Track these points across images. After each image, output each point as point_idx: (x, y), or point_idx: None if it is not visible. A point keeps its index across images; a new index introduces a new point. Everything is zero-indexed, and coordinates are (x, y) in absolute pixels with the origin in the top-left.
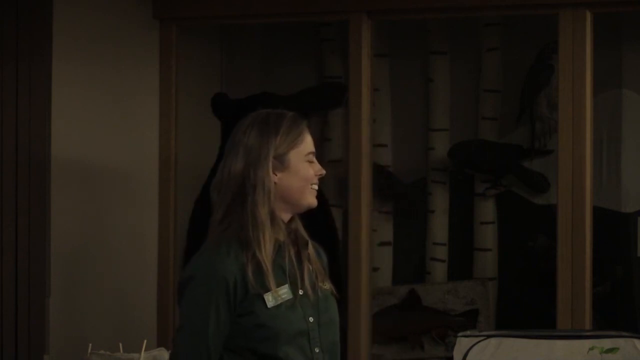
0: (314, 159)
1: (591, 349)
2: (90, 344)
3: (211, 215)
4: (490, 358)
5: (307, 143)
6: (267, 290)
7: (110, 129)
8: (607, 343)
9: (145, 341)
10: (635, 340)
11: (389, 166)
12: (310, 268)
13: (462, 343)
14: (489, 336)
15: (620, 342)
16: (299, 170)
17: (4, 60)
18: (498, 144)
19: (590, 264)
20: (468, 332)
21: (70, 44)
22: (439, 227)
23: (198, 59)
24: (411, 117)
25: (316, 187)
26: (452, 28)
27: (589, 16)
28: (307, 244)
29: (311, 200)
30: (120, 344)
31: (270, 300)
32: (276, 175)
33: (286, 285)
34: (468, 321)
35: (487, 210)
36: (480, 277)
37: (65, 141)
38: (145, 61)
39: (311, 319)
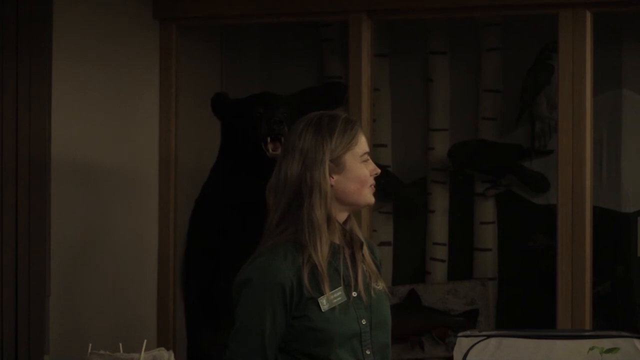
0: (369, 159)
1: (591, 349)
2: (90, 344)
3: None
4: (490, 358)
5: (362, 143)
6: (322, 293)
7: (110, 129)
8: (607, 343)
9: (145, 341)
10: (636, 340)
11: (389, 166)
12: (365, 269)
13: (462, 343)
14: (489, 336)
15: (620, 342)
16: (355, 172)
17: (4, 59)
18: (498, 144)
19: (590, 264)
20: (468, 332)
21: (70, 44)
22: (439, 227)
23: (198, 58)
24: (411, 117)
25: (374, 186)
26: (452, 28)
27: (588, 16)
28: (362, 245)
29: (370, 199)
30: (120, 344)
31: (324, 304)
32: (333, 177)
33: (340, 288)
34: (468, 321)
35: (487, 210)
36: (480, 277)
37: (65, 141)
38: (146, 61)
39: (364, 321)
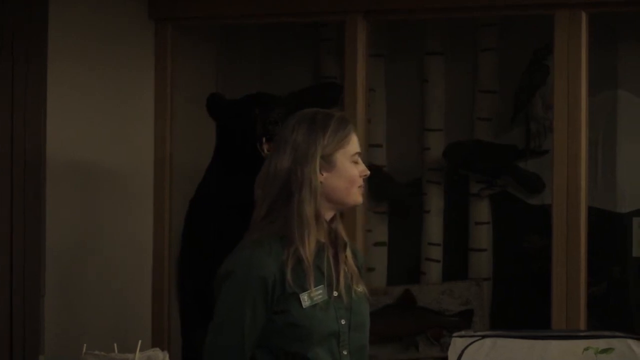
0: (359, 160)
1: (586, 349)
2: (85, 344)
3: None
4: (484, 358)
5: (354, 143)
6: (304, 289)
7: (105, 129)
8: (601, 343)
9: (140, 341)
10: (630, 341)
11: (384, 166)
12: (347, 270)
13: (456, 343)
14: (483, 336)
15: (615, 343)
16: (345, 171)
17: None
18: (493, 144)
19: (585, 265)
20: (463, 333)
21: (65, 44)
22: (434, 227)
23: (193, 59)
24: (406, 117)
25: (362, 187)
26: (448, 28)
27: (584, 17)
28: (345, 245)
29: (358, 199)
30: (115, 344)
31: (306, 300)
32: (322, 174)
33: (322, 286)
34: (463, 321)
35: (482, 210)
36: (475, 277)
37: (60, 141)
38: (141, 61)
39: (343, 322)
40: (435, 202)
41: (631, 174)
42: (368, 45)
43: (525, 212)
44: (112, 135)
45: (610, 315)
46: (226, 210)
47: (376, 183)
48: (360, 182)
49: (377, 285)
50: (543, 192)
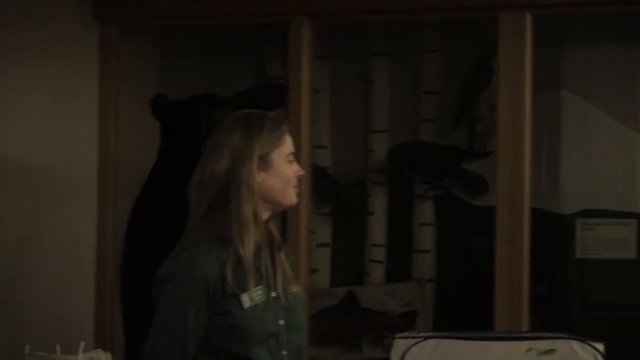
0: (294, 159)
1: (529, 350)
2: (28, 346)
3: (153, 215)
4: (427, 359)
5: (288, 143)
6: (244, 290)
7: (49, 130)
8: (544, 344)
9: (82, 343)
10: (573, 342)
11: (329, 167)
12: (283, 270)
13: (399, 344)
14: (426, 337)
15: (557, 344)
16: (281, 171)
17: None
18: (437, 146)
19: (528, 266)
20: (406, 334)
21: (9, 45)
22: (378, 228)
23: (138, 60)
24: (351, 119)
25: (296, 187)
26: (393, 30)
27: (528, 18)
28: (281, 246)
29: (293, 199)
30: (58, 346)
31: (246, 301)
32: (260, 175)
33: (261, 287)
34: (406, 323)
35: (426, 211)
36: (419, 278)
37: (3, 141)
38: (85, 62)
39: (281, 322)
40: (379, 203)
41: (575, 175)
42: (312, 47)
43: (469, 213)
44: (56, 136)
45: (553, 317)
46: (170, 211)
47: (320, 184)
48: (295, 182)
49: (320, 286)
50: (487, 194)
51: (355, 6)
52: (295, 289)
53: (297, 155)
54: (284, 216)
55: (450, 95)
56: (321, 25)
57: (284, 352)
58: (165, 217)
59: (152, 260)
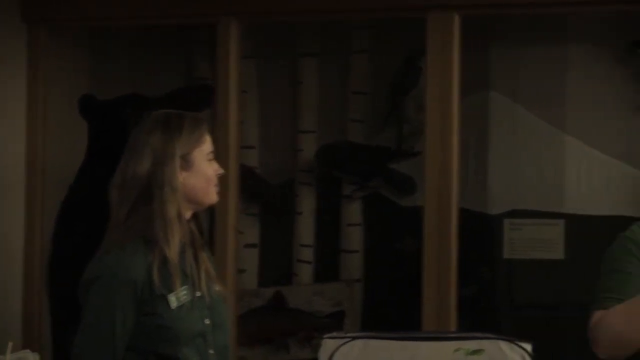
0: (213, 158)
1: (456, 350)
2: None
3: (80, 215)
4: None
5: (208, 142)
6: (171, 290)
7: None
8: (472, 345)
9: (10, 343)
10: (501, 342)
11: (257, 168)
12: (206, 269)
13: (327, 345)
14: (354, 338)
15: (485, 344)
16: (202, 169)
17: None
18: (365, 146)
19: (456, 266)
20: (334, 334)
21: None
22: (306, 228)
23: (66, 60)
24: (279, 119)
25: (217, 186)
26: (322, 30)
27: (456, 19)
28: (203, 245)
29: (214, 198)
30: None
31: (173, 301)
32: (182, 174)
33: (186, 287)
34: (334, 323)
35: (354, 212)
36: (347, 279)
37: None
38: (13, 63)
39: (207, 321)
40: (307, 203)
41: (503, 176)
42: (240, 47)
43: (397, 213)
44: None
45: (481, 317)
46: (97, 211)
47: (248, 185)
48: (216, 180)
49: (248, 286)
50: (415, 194)
51: (283, 7)
52: (217, 287)
53: (224, 155)
54: (211, 216)
55: (379, 95)
56: (249, 25)
57: (211, 351)
58: (92, 217)
59: (79, 260)
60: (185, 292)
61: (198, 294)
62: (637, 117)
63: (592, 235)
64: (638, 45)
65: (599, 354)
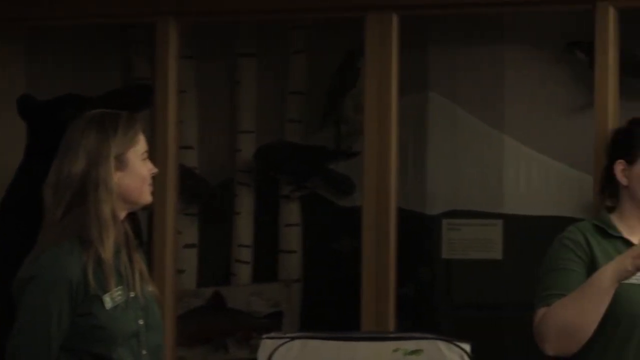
0: (147, 157)
1: (395, 350)
2: None
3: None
4: None
5: (142, 142)
6: (106, 291)
7: None
8: (411, 345)
9: None
10: (439, 342)
11: (196, 168)
12: (140, 270)
13: (266, 345)
14: (293, 338)
15: (424, 344)
16: (137, 169)
17: None
18: (304, 146)
19: (394, 266)
20: (272, 334)
21: None
22: (244, 229)
23: (3, 60)
24: (218, 119)
25: (151, 186)
26: (260, 30)
27: (394, 19)
28: (137, 246)
29: (149, 198)
30: None
31: (108, 302)
32: (116, 174)
33: (121, 287)
34: (273, 323)
35: (292, 212)
36: (285, 279)
37: None
38: None
39: (141, 322)
40: (245, 203)
41: (441, 176)
42: (179, 47)
43: (336, 213)
44: None
45: (420, 317)
46: (36, 212)
47: (187, 185)
48: (150, 180)
49: (187, 287)
50: (353, 194)
51: (221, 6)
52: (151, 288)
53: (163, 155)
54: (150, 217)
55: (317, 95)
56: (188, 25)
57: (144, 352)
58: (31, 217)
59: (15, 262)
60: (119, 292)
61: (132, 294)
62: (575, 117)
63: (531, 235)
64: (575, 45)
65: (546, 349)
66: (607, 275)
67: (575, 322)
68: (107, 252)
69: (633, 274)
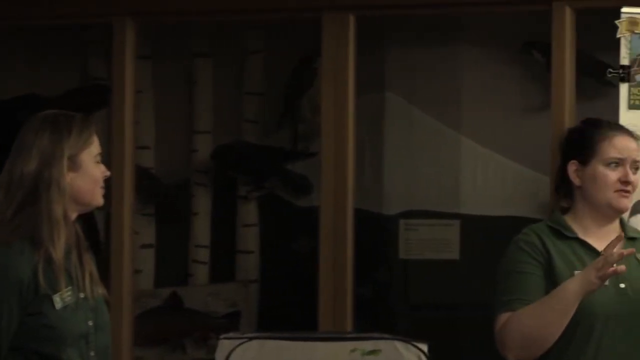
0: (100, 160)
1: (352, 350)
2: None
3: None
4: None
5: (96, 144)
6: (56, 291)
7: None
8: (368, 345)
9: None
10: (397, 342)
11: (152, 168)
12: (90, 271)
13: (224, 345)
14: (251, 338)
15: (381, 344)
16: (90, 171)
17: None
18: (261, 147)
19: (352, 266)
20: (230, 334)
21: None
22: (202, 229)
23: None
24: (174, 119)
25: (103, 188)
26: (216, 30)
27: (351, 19)
28: (87, 247)
29: (100, 200)
30: None
31: (58, 302)
32: (69, 175)
33: (71, 287)
34: (230, 323)
35: (249, 212)
36: (243, 279)
37: None
38: None
39: (90, 323)
40: (203, 204)
41: (398, 176)
42: (135, 47)
43: (293, 214)
44: None
45: (377, 317)
46: None
47: (144, 185)
48: (102, 182)
49: (144, 287)
50: (310, 194)
51: (178, 6)
52: (100, 290)
53: (119, 155)
54: (107, 217)
55: (274, 96)
56: (144, 25)
57: (92, 353)
58: None
59: None
60: (69, 293)
61: (82, 295)
62: (531, 118)
63: (488, 235)
64: (532, 46)
65: (508, 356)
66: (573, 288)
67: (539, 333)
68: (58, 252)
69: (599, 286)
